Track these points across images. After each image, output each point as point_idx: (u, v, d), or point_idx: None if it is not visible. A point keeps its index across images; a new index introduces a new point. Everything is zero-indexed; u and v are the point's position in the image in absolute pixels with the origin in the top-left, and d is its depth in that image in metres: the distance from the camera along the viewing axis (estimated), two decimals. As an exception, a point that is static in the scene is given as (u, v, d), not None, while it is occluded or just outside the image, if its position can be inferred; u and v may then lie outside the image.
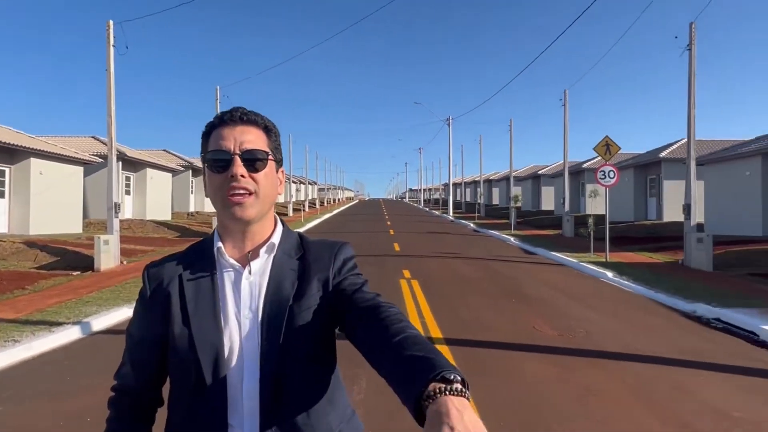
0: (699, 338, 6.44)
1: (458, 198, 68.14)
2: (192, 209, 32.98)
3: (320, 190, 77.48)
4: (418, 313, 7.48)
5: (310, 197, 66.62)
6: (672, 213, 21.87)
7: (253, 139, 1.09)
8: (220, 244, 1.10)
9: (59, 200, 18.26)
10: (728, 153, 18.55)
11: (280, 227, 1.17)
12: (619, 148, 13.79)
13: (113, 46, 12.70)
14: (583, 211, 28.91)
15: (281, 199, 56.50)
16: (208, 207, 34.78)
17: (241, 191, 1.05)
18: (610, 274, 11.27)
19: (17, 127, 20.72)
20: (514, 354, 5.65)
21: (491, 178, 59.19)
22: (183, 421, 1.06)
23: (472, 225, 28.81)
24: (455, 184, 79.91)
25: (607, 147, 13.57)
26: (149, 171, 26.01)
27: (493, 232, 23.60)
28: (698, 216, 17.90)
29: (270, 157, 1.11)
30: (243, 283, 1.08)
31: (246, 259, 1.10)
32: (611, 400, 4.31)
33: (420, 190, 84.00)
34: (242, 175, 1.05)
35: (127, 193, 24.88)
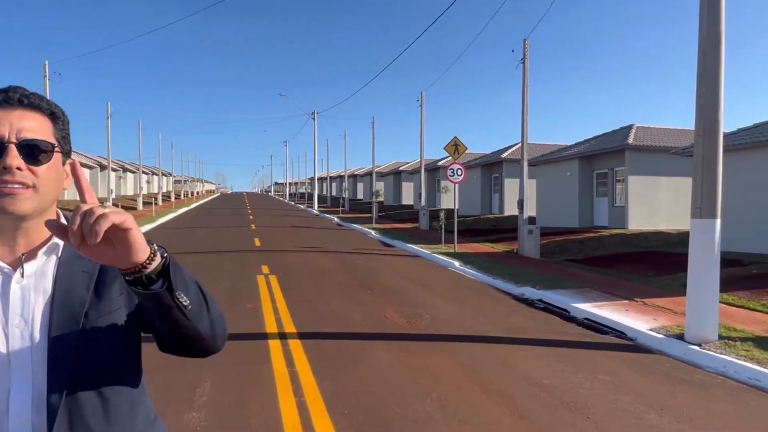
0: (524, 317, 7.35)
1: (324, 192, 68.50)
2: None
3: (176, 182, 71.93)
4: (274, 309, 7.38)
5: (164, 190, 61.43)
6: (512, 208, 24.55)
7: (35, 126, 0.96)
8: None
9: None
10: (554, 156, 21.39)
11: (63, 224, 1.06)
12: (466, 148, 15.07)
13: None
14: (439, 206, 31.05)
15: (130, 192, 51.17)
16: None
17: (16, 185, 0.93)
18: (457, 263, 12.29)
19: None
20: (364, 343, 5.88)
21: (356, 173, 60.56)
22: None
23: (336, 219, 29.17)
24: (321, 179, 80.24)
25: (455, 147, 14.74)
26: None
27: (355, 225, 24.17)
28: (531, 210, 20.39)
29: (56, 148, 0.99)
30: (12, 288, 0.95)
31: (18, 262, 0.98)
32: (447, 379, 4.72)
33: (286, 183, 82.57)
34: (18, 168, 0.93)
35: None
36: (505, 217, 23.86)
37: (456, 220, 15.17)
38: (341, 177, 63.41)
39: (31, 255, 0.99)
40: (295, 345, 5.68)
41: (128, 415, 1.03)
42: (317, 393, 4.32)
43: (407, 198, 41.97)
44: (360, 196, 56.66)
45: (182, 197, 59.41)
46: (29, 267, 0.98)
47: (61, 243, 1.02)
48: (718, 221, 5.99)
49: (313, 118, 42.34)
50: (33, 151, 0.95)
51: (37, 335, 0.96)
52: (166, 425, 1.15)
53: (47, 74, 21.12)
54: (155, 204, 36.20)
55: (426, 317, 7.10)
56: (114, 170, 41.47)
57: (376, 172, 39.86)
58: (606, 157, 18.69)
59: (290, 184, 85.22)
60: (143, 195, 38.43)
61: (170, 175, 67.31)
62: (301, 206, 47.09)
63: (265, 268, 11.09)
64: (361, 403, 4.15)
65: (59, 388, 0.95)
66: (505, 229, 20.78)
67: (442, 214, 16.28)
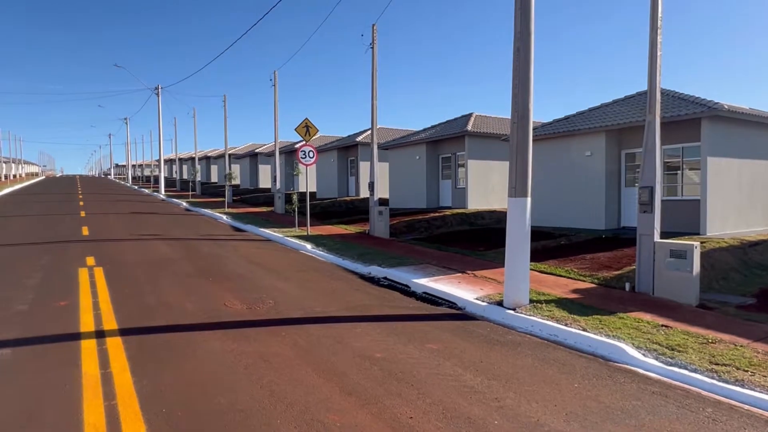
0: (368, 295, 7.57)
1: (174, 175, 63.19)
2: None
3: (-17, 163, 60.29)
4: (94, 305, 6.56)
5: (-35, 172, 51.08)
6: (367, 190, 25.20)
7: None
8: None
9: None
10: (405, 140, 22.36)
11: None
12: (318, 130, 14.96)
13: None
14: (296, 189, 30.61)
15: None
16: None
17: None
18: (309, 246, 12.23)
19: None
20: (197, 334, 5.51)
21: (209, 154, 56.85)
22: None
23: (184, 204, 27.10)
24: (169, 161, 73.69)
25: (306, 128, 14.55)
26: None
27: (206, 210, 22.72)
28: (383, 193, 21.12)
29: None
30: None
31: None
32: (280, 364, 4.63)
33: (128, 165, 74.27)
34: None
35: None
36: (361, 199, 24.41)
37: (308, 202, 15.07)
38: (192, 158, 59.08)
39: None
40: (114, 343, 5.10)
41: None
42: (132, 394, 3.93)
43: (265, 181, 40.66)
44: (214, 179, 53.41)
45: (-8, 181, 49.99)
46: None
47: None
48: (529, 199, 6.76)
49: (157, 94, 38.53)
50: None
51: None
52: None
53: None
54: (-49, 189, 29.93)
55: (268, 302, 6.91)
56: None
57: (231, 154, 37.89)
58: (449, 143, 20.08)
59: (133, 166, 76.95)
60: (-67, 178, 31.44)
61: (-26, 154, 56.13)
62: (146, 190, 42.83)
63: (90, 260, 9.83)
64: (183, 399, 3.86)
65: None
66: (360, 210, 21.27)
67: (295, 197, 16.03)
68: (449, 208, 19.41)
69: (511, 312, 6.40)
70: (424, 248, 12.10)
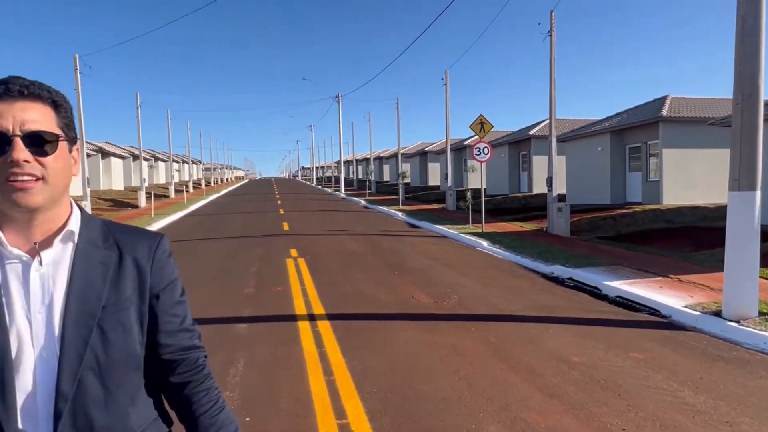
0: (554, 296, 7.26)
1: (350, 175, 68.65)
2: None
3: (206, 169, 73.31)
4: (303, 292, 7.50)
5: (195, 177, 62.75)
6: (540, 186, 24.09)
7: (38, 117, 0.96)
8: (0, 234, 0.97)
9: None
10: (584, 131, 20.80)
11: (77, 212, 1.07)
12: (492, 126, 14.79)
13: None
14: (466, 186, 30.74)
15: (162, 180, 52.46)
16: (75, 191, 31.21)
17: (26, 177, 0.94)
18: (485, 243, 12.19)
19: None
20: (392, 323, 5.92)
21: (381, 155, 60.40)
22: None
23: (362, 202, 29.27)
24: (347, 162, 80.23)
25: (481, 125, 14.49)
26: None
27: (382, 208, 24.20)
28: (560, 188, 19.97)
29: (61, 137, 1.00)
30: (32, 276, 0.98)
31: (35, 250, 1.00)
32: (474, 358, 4.72)
33: (312, 167, 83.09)
34: (26, 161, 0.94)
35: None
36: (534, 195, 23.45)
37: (483, 199, 15.00)
38: (367, 159, 63.34)
39: (47, 243, 1.01)
40: (324, 326, 5.77)
41: (126, 410, 1.04)
42: (346, 372, 4.39)
43: (434, 179, 41.67)
44: (386, 178, 56.58)
45: (212, 184, 60.58)
46: (46, 255, 1.00)
47: (77, 230, 1.04)
48: (758, 193, 5.74)
49: (338, 102, 42.28)
50: (39, 143, 0.96)
51: (56, 322, 0.98)
52: None
53: (78, 67, 21.65)
54: (186, 191, 37.04)
55: (453, 297, 7.09)
56: (146, 159, 42.48)
57: (402, 154, 39.63)
58: (639, 131, 18.06)
59: (317, 168, 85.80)
60: (174, 183, 39.37)
61: (200, 162, 68.66)
62: (328, 190, 47.38)
63: (293, 252, 11.25)
64: (389, 382, 4.19)
65: (70, 376, 0.97)
66: (534, 207, 20.45)
67: (468, 194, 16.11)
68: (638, 203, 17.50)
69: (734, 324, 5.51)
70: (611, 248, 11.12)
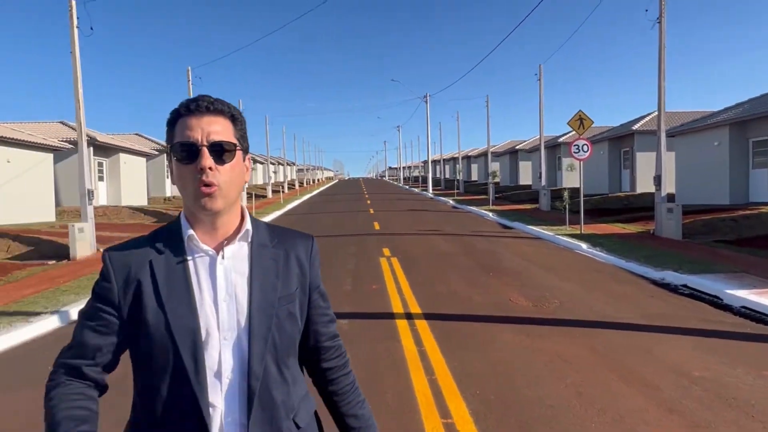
0: (666, 304, 6.73)
1: (438, 175, 68.37)
2: (168, 194, 32.45)
3: (299, 170, 76.82)
4: (398, 290, 7.62)
5: (289, 178, 65.99)
6: (645, 184, 22.39)
7: (220, 129, 1.10)
8: (191, 231, 1.11)
9: (29, 188, 17.81)
10: (698, 124, 18.98)
11: (247, 215, 1.21)
12: (592, 122, 14.00)
13: (77, 27, 12.28)
14: (560, 185, 29.38)
15: (260, 181, 55.87)
16: (185, 191, 34.16)
17: (210, 183, 1.07)
18: (584, 245, 11.58)
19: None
20: (490, 326, 5.84)
21: (470, 154, 59.50)
22: (161, 406, 1.07)
23: (451, 201, 29.06)
24: (434, 161, 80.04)
25: (580, 121, 13.77)
26: (122, 156, 25.43)
27: (471, 208, 23.86)
28: (669, 186, 18.42)
29: (237, 147, 1.13)
30: (218, 268, 1.11)
31: (220, 246, 1.14)
32: (581, 365, 4.52)
33: (399, 168, 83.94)
34: (210, 168, 1.07)
35: (101, 179, 24.34)
36: (637, 195, 21.84)
37: (582, 199, 14.25)
38: (454, 159, 62.73)
39: (228, 241, 1.15)
40: (422, 325, 5.83)
41: (291, 388, 1.19)
42: (447, 372, 4.41)
43: (525, 178, 40.29)
44: (474, 177, 55.66)
45: (305, 184, 63.41)
46: (228, 251, 1.15)
47: (251, 232, 1.18)
48: None
49: (426, 101, 42.33)
50: (220, 151, 1.09)
51: (241, 309, 1.12)
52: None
53: (190, 79, 23.70)
54: (282, 192, 39.13)
55: (553, 301, 6.83)
56: (246, 162, 45.35)
57: (491, 152, 38.76)
58: (765, 122, 16.14)
59: (404, 168, 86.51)
60: (271, 184, 41.74)
61: (294, 164, 72.11)
62: (415, 189, 47.59)
63: (386, 251, 11.46)
64: (491, 385, 4.15)
65: (259, 358, 1.11)
66: (638, 208, 19.04)
67: (565, 194, 15.39)
68: (764, 203, 15.65)
69: None
70: (732, 253, 10.06)
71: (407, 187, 57.52)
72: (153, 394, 1.08)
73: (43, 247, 12.40)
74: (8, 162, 16.97)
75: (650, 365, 4.51)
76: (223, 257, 1.13)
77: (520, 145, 41.49)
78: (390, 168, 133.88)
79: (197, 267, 1.12)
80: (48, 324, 6.25)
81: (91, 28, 12.44)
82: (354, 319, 6.21)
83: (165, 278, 1.09)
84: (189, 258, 1.12)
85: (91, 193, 12.47)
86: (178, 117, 1.12)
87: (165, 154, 32.18)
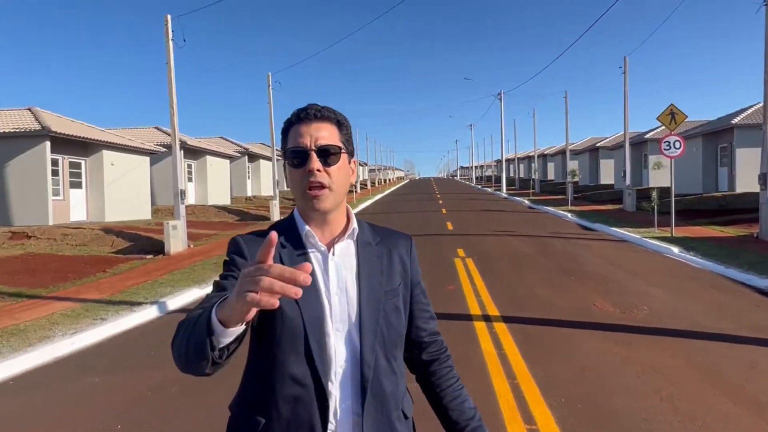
0: (775, 315, 6.10)
1: (512, 174, 66.61)
2: (249, 193, 34.22)
3: (371, 171, 78.01)
4: (475, 292, 7.51)
5: (361, 178, 67.11)
6: (746, 183, 20.42)
7: (326, 135, 1.17)
8: (307, 228, 1.20)
9: (129, 189, 19.50)
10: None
11: (353, 214, 1.27)
12: (686, 117, 12.99)
13: (172, 40, 13.26)
14: (645, 184, 27.55)
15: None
16: (265, 191, 35.92)
17: (317, 184, 1.15)
18: (675, 249, 10.78)
19: (83, 118, 22.12)
20: (573, 331, 5.59)
21: (546, 152, 57.36)
22: (284, 384, 1.13)
23: (526, 202, 28.18)
24: (508, 160, 78.02)
25: (672, 116, 12.81)
26: (209, 158, 27.15)
27: (548, 208, 23.00)
28: (776, 186, 16.61)
29: (342, 150, 1.20)
30: (330, 264, 1.18)
31: (329, 243, 1.21)
32: (678, 378, 4.21)
33: (471, 167, 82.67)
34: (318, 170, 1.14)
35: (189, 180, 26.12)
36: (737, 194, 19.95)
37: (672, 199, 13.27)
38: (530, 157, 60.79)
39: (338, 238, 1.22)
40: (501, 328, 5.70)
41: (398, 379, 1.23)
42: (529, 377, 4.28)
43: (606, 177, 38.15)
44: (551, 176, 53.59)
45: (376, 184, 64.26)
46: (338, 248, 1.21)
47: (357, 230, 1.24)
48: None
49: (500, 99, 41.37)
50: (326, 155, 1.16)
51: (351, 303, 1.18)
52: None
53: (270, 84, 24.81)
54: (355, 192, 39.91)
55: (642, 308, 6.41)
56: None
57: (570, 150, 37.11)
58: None
59: (476, 167, 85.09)
60: (345, 184, 42.58)
61: (366, 164, 73.32)
62: (488, 189, 46.65)
63: (460, 251, 11.33)
64: (578, 392, 3.97)
65: (370, 348, 1.17)
66: (737, 209, 17.40)
67: (654, 194, 14.41)
68: None
69: None
70: None
71: (479, 186, 56.54)
72: (277, 373, 1.14)
73: (141, 243, 13.52)
74: (112, 165, 18.68)
75: (762, 383, 4.11)
76: (333, 253, 1.20)
77: (602, 143, 39.39)
78: (461, 167, 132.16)
79: (312, 261, 1.18)
80: (148, 314, 6.81)
81: (184, 40, 13.39)
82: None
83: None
84: (307, 252, 1.19)
85: (183, 193, 13.42)
86: (290, 125, 1.21)
87: (246, 156, 33.91)
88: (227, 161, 30.18)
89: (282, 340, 1.13)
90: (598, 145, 39.52)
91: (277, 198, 23.57)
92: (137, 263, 10.94)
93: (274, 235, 0.78)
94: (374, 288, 1.20)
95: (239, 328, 0.88)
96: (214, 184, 27.57)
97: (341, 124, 1.22)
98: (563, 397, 3.89)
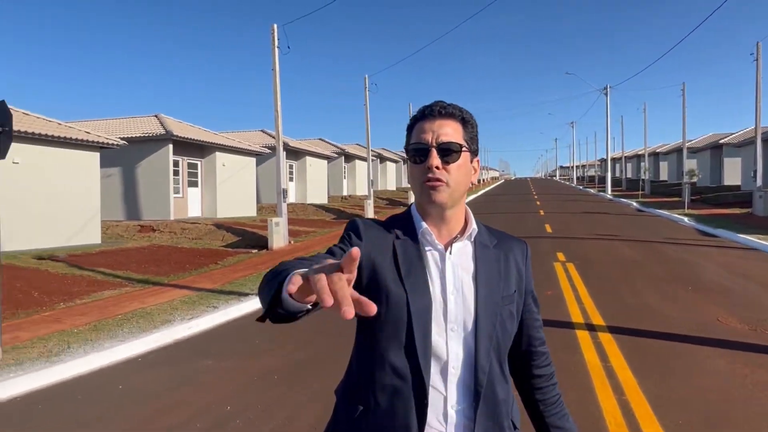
0: None
1: (617, 174, 62.07)
2: (345, 193, 35.34)
3: (464, 171, 76.81)
4: (576, 298, 7.09)
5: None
6: None
7: (449, 132, 1.15)
8: (424, 225, 1.17)
9: (238, 187, 21.04)
10: None
11: (472, 215, 1.24)
12: (837, 107, 11.18)
13: (277, 47, 14.06)
14: (781, 186, 24.22)
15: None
16: (360, 191, 36.90)
17: (436, 181, 1.13)
18: (821, 260, 9.34)
19: (197, 121, 24.15)
20: (692, 347, 5.05)
21: (657, 150, 52.68)
22: (385, 374, 1.11)
23: (634, 204, 26.11)
24: (614, 159, 72.99)
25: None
26: (308, 159, 28.46)
27: (661, 211, 21.10)
28: None
29: (464, 148, 1.17)
30: (447, 263, 1.16)
31: (447, 242, 1.18)
32: (827, 410, 3.62)
33: (572, 167, 78.34)
34: (437, 167, 1.12)
35: (290, 179, 27.58)
36: None
37: (817, 203, 11.52)
38: (638, 156, 56.26)
39: (456, 238, 1.19)
40: (606, 339, 5.31)
41: (508, 387, 1.21)
42: (640, 394, 3.93)
43: (731, 177, 34.11)
44: (663, 177, 49.12)
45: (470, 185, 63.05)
46: (455, 247, 1.19)
47: (475, 232, 1.21)
48: None
49: (605, 93, 38.73)
50: (447, 152, 1.14)
51: (467, 305, 1.15)
52: None
53: (367, 86, 25.41)
54: (448, 192, 39.50)
55: (779, 326, 5.62)
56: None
57: (688, 148, 33.76)
58: None
59: (577, 167, 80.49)
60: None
61: (459, 164, 72.41)
62: (591, 190, 43.93)
63: (560, 255, 10.76)
64: (699, 415, 3.57)
65: (485, 353, 1.14)
66: None
67: (792, 196, 12.60)
68: None
69: None
70: None
71: (581, 187, 53.44)
72: (378, 361, 1.13)
73: (247, 238, 14.51)
74: (223, 165, 20.27)
75: None
76: (450, 253, 1.17)
77: (726, 139, 35.28)
78: (561, 167, 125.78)
79: (428, 260, 1.17)
80: (253, 304, 7.26)
81: (288, 47, 14.14)
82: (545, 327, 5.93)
83: (404, 260, 1.15)
84: (423, 249, 1.17)
85: (285, 192, 14.19)
86: (415, 122, 1.20)
87: (342, 157, 35.09)
88: (325, 162, 31.42)
89: (385, 328, 1.12)
90: (721, 141, 35.45)
91: (372, 197, 24.07)
92: (244, 257, 11.75)
93: (356, 251, 0.71)
94: (492, 292, 1.17)
95: (300, 305, 0.82)
96: (312, 184, 28.85)
97: (466, 121, 1.19)
98: (681, 419, 3.51)
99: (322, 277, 0.70)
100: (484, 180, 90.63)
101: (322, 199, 29.90)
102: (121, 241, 13.61)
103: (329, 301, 0.67)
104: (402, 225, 1.21)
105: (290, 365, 4.75)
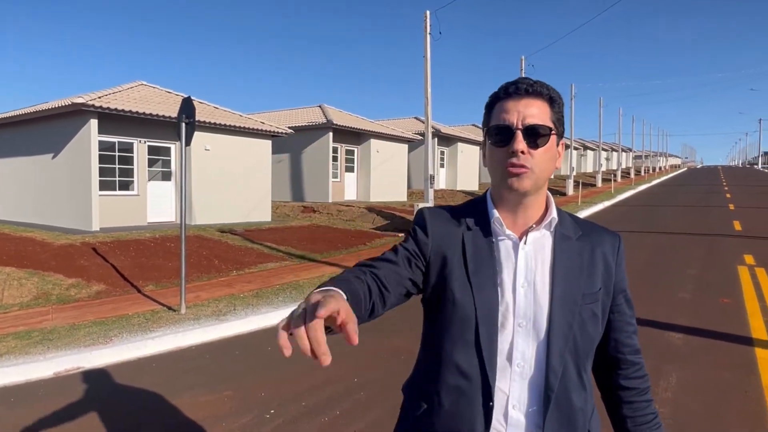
0: None
1: None
2: (497, 180, 34.33)
3: (636, 157, 69.08)
4: (762, 309, 5.93)
5: (623, 166, 60.24)
6: None
7: (536, 112, 1.05)
8: (496, 213, 1.09)
9: (390, 173, 21.91)
10: None
11: (553, 203, 1.13)
12: None
13: (429, 34, 14.15)
14: None
15: (589, 169, 52.94)
16: (513, 178, 35.51)
17: (520, 167, 1.03)
18: None
19: (354, 109, 25.63)
20: None
21: None
22: (449, 373, 1.07)
23: None
24: (842, 144, 58.78)
25: None
26: (460, 145, 28.30)
27: None
28: None
29: (552, 131, 1.06)
30: (519, 254, 1.07)
31: (522, 231, 1.09)
32: None
33: (780, 153, 64.84)
34: (522, 151, 1.03)
35: (441, 165, 27.78)
36: None
37: None
38: None
39: (533, 227, 1.09)
40: (799, 363, 4.35)
41: (587, 395, 1.09)
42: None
43: None
44: None
45: (642, 173, 56.50)
46: (531, 237, 1.08)
47: (555, 221, 1.09)
48: None
49: (833, 62, 31.08)
50: (533, 135, 1.03)
51: (539, 299, 1.05)
52: None
53: (523, 68, 24.22)
54: (614, 180, 35.96)
55: None
56: (575, 149, 43.78)
57: None
58: None
59: (787, 153, 66.40)
60: (602, 172, 38.90)
61: (630, 150, 65.24)
62: (805, 182, 35.93)
63: (748, 258, 9.09)
64: None
65: (559, 354, 1.03)
66: None
67: None
68: None
69: None
70: None
71: (790, 178, 44.08)
72: (443, 360, 1.09)
73: (395, 222, 15.07)
74: (377, 152, 21.26)
75: None
76: (525, 242, 1.08)
77: None
78: (765, 153, 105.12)
79: (499, 250, 1.09)
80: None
81: (440, 33, 14.15)
82: (691, 335, 5.16)
83: (473, 254, 1.09)
84: (494, 239, 1.10)
85: (432, 178, 14.36)
86: (496, 100, 1.10)
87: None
88: (476, 148, 30.92)
89: (451, 327, 1.07)
90: None
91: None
92: (390, 239, 12.23)
93: (344, 312, 0.80)
94: (570, 288, 1.05)
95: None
96: (463, 170, 28.67)
97: (554, 101, 1.07)
98: None
99: (300, 328, 0.75)
100: (662, 168, 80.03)
101: (473, 185, 29.55)
102: (286, 220, 15.22)
103: (305, 351, 0.74)
104: (474, 212, 1.13)
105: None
